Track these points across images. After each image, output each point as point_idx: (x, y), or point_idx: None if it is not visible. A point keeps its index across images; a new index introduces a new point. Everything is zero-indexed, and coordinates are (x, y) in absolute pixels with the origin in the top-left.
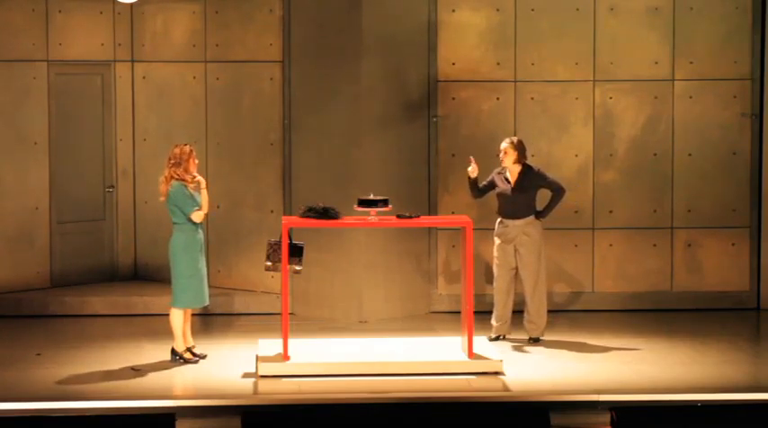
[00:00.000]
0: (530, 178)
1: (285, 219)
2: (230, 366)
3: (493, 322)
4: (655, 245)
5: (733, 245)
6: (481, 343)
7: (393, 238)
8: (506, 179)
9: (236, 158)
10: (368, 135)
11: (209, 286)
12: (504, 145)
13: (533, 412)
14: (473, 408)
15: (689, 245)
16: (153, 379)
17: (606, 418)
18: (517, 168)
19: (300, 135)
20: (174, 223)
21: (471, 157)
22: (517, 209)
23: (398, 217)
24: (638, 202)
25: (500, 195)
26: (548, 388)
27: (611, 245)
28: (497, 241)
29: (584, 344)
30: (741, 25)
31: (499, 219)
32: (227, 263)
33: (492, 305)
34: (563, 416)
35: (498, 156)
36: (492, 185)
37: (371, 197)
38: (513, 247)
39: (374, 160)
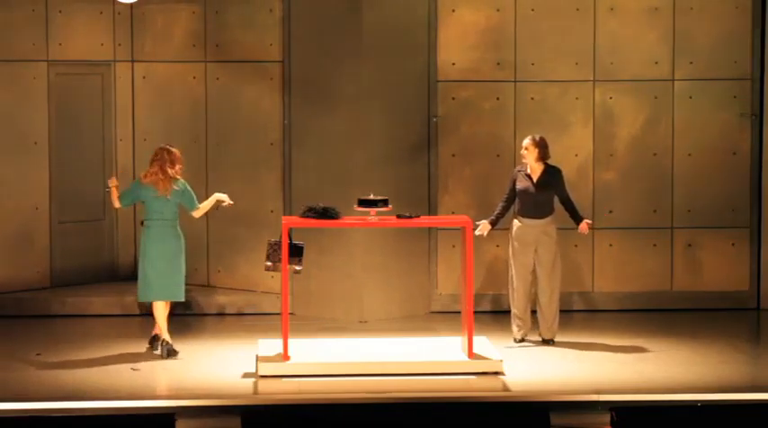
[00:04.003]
0: (552, 177)
1: (285, 219)
2: (230, 366)
3: (515, 325)
4: (655, 245)
5: (733, 245)
6: (482, 343)
7: (393, 238)
8: (528, 176)
9: (236, 158)
10: (368, 135)
11: (214, 286)
12: (526, 142)
13: (533, 412)
14: (473, 408)
15: (689, 245)
16: (153, 379)
17: (606, 418)
18: (540, 166)
19: (300, 135)
20: None
21: (478, 227)
22: (540, 208)
23: (398, 217)
24: (638, 202)
25: (522, 193)
26: (548, 388)
27: (611, 245)
28: (515, 244)
29: (584, 344)
30: (741, 25)
31: (518, 220)
32: (227, 263)
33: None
34: (563, 416)
35: (521, 152)
36: (513, 186)
37: (371, 197)
38: (534, 248)
39: (374, 160)
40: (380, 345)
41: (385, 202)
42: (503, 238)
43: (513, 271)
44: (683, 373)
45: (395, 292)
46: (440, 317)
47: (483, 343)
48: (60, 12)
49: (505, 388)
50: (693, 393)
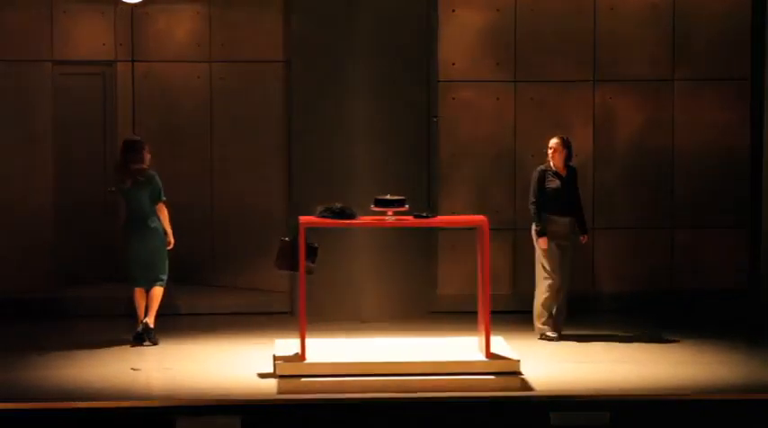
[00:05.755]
0: (575, 177)
1: (303, 219)
2: (231, 366)
3: (542, 323)
4: (655, 245)
5: (733, 244)
6: (498, 342)
7: (394, 238)
8: (557, 175)
9: (239, 158)
10: (368, 135)
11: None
12: (554, 142)
13: (533, 412)
14: (473, 407)
15: (689, 245)
16: (153, 379)
17: (606, 418)
18: (564, 166)
19: (303, 135)
20: None
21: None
22: (569, 206)
23: (416, 217)
24: (638, 202)
25: (554, 192)
26: (548, 388)
27: (611, 246)
28: (550, 241)
29: (585, 344)
30: (741, 25)
31: (550, 218)
32: (230, 263)
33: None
34: (563, 416)
35: (547, 152)
36: (542, 186)
37: (388, 197)
38: (562, 245)
39: (374, 160)
40: (390, 345)
41: (401, 202)
42: (504, 239)
43: (549, 269)
44: (682, 372)
45: (395, 293)
46: (440, 318)
47: (499, 343)
48: (64, 12)
49: (525, 387)
50: (693, 393)
